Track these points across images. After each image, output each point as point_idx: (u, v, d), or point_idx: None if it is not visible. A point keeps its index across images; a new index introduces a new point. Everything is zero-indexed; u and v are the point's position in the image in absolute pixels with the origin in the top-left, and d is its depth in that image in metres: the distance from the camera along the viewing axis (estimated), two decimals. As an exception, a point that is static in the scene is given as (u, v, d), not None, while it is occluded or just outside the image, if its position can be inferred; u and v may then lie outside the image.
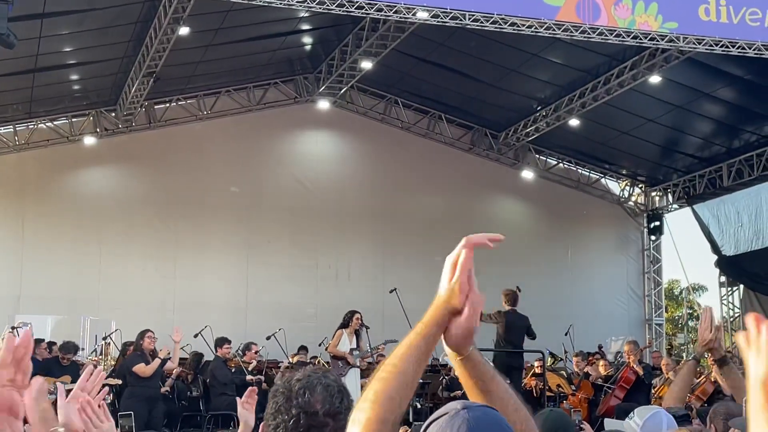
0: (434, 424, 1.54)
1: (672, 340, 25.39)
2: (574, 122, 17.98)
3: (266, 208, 18.29)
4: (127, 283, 17.05)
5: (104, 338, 14.07)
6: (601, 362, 14.00)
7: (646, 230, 21.36)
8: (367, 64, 16.55)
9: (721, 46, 11.93)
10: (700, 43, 11.96)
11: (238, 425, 3.67)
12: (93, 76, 16.16)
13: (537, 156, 20.53)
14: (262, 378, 12.66)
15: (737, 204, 19.32)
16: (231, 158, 18.17)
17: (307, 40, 17.36)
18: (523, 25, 11.65)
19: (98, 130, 17.66)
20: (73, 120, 17.57)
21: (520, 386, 12.22)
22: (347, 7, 11.29)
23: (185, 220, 17.73)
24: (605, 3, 11.48)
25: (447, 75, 17.47)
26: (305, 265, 18.43)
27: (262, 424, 2.46)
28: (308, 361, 14.63)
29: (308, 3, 11.27)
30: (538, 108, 18.38)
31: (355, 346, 11.65)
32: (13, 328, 12.99)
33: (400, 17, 11.85)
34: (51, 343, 12.88)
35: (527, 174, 20.42)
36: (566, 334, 15.90)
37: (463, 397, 1.76)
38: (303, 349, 15.68)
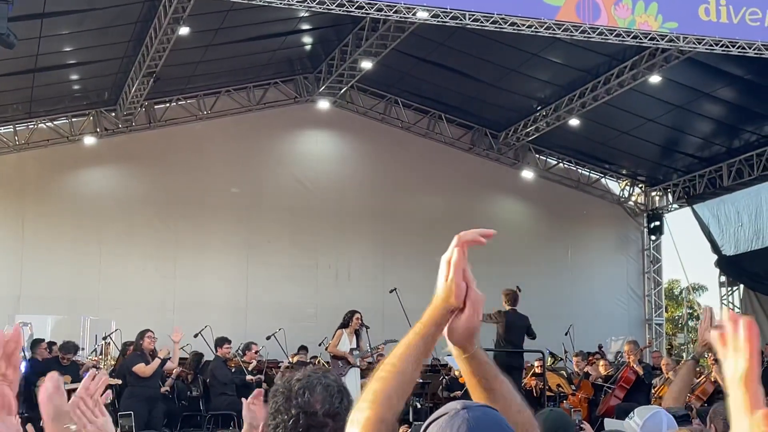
0: (434, 424, 1.54)
1: (672, 340, 25.39)
2: (574, 122, 17.98)
3: (266, 208, 18.29)
4: (127, 283, 17.05)
5: (104, 338, 14.07)
6: (602, 362, 14.00)
7: (646, 230, 21.36)
8: (367, 64, 16.55)
9: (721, 46, 11.93)
10: (700, 43, 11.96)
11: (239, 425, 3.65)
12: (93, 76, 16.16)
13: (537, 156, 20.53)
14: (262, 378, 12.66)
15: (737, 204, 19.32)
16: (231, 158, 18.17)
17: (307, 39, 17.36)
18: (523, 25, 11.65)
19: (98, 130, 17.66)
20: (73, 120, 17.57)
21: (520, 386, 12.22)
22: (347, 7, 11.29)
23: (185, 220, 17.73)
24: (605, 3, 11.48)
25: (447, 75, 17.47)
26: (305, 265, 18.43)
27: (262, 424, 2.46)
28: (308, 361, 14.63)
29: (308, 3, 11.26)
30: (538, 108, 18.38)
31: (355, 346, 11.66)
32: (13, 328, 12.98)
33: (400, 17, 11.85)
34: (51, 343, 12.87)
35: (527, 174, 20.42)
36: (566, 334, 15.90)
37: (463, 396, 1.76)
38: (303, 349, 15.69)
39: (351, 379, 10.77)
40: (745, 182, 18.51)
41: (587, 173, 21.11)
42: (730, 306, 20.42)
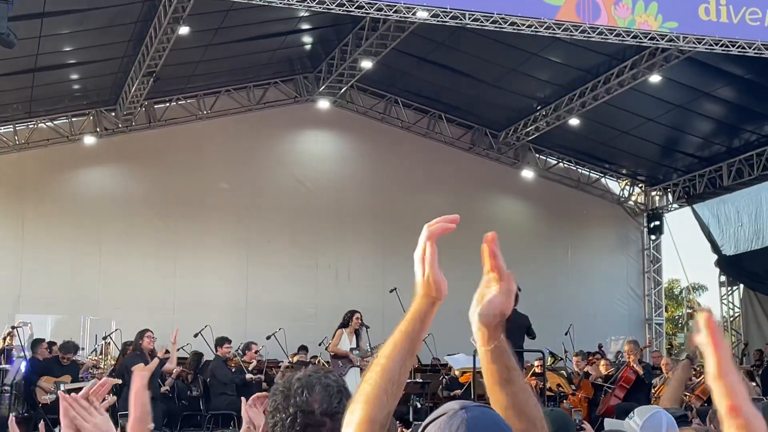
0: (432, 425, 1.53)
1: (672, 340, 25.39)
2: (574, 122, 17.98)
3: (266, 208, 18.28)
4: (127, 282, 17.04)
5: (104, 338, 14.07)
6: (602, 362, 13.99)
7: (646, 230, 21.36)
8: (367, 64, 16.55)
9: (721, 46, 11.92)
10: (700, 43, 11.96)
11: (239, 425, 3.64)
12: (93, 75, 16.16)
13: (537, 155, 20.53)
14: (263, 378, 12.66)
15: (737, 203, 19.32)
16: (231, 158, 18.17)
17: (307, 39, 17.36)
18: (523, 25, 11.65)
19: (98, 129, 17.66)
20: (73, 119, 17.57)
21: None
22: (347, 7, 11.28)
23: (185, 219, 17.72)
24: (605, 2, 11.48)
25: (447, 74, 17.47)
26: (305, 265, 18.43)
27: (262, 424, 2.46)
28: (308, 360, 14.62)
29: (308, 2, 11.26)
30: (538, 107, 18.38)
31: (354, 346, 11.66)
32: (13, 327, 13.00)
33: (400, 17, 11.85)
34: (51, 343, 12.88)
35: (527, 173, 20.42)
36: (566, 334, 15.88)
37: (464, 396, 1.76)
38: (303, 348, 15.69)
39: (351, 378, 10.76)
40: (745, 182, 18.51)
41: (587, 173, 21.11)
42: (730, 306, 20.43)
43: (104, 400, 2.51)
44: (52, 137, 17.40)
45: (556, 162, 20.77)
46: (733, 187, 18.86)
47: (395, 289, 12.32)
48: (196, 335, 13.64)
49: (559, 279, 19.80)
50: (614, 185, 21.51)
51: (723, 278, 20.62)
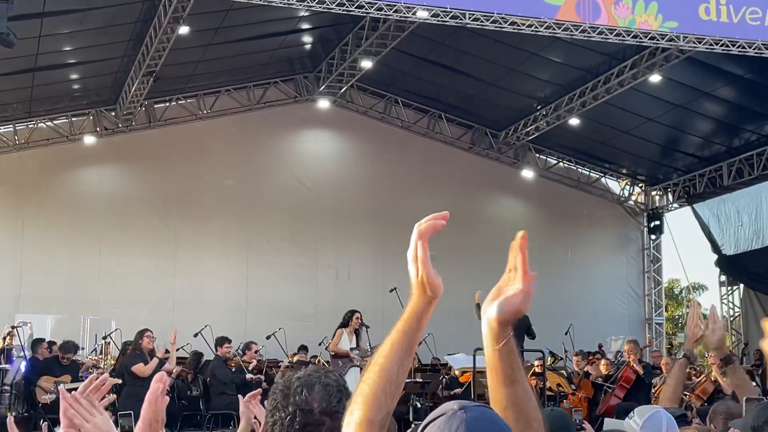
0: (431, 425, 1.53)
1: (672, 340, 25.39)
2: (574, 121, 17.98)
3: (266, 208, 18.28)
4: (126, 282, 17.04)
5: (104, 337, 14.06)
6: (603, 361, 13.99)
7: (646, 229, 21.35)
8: (367, 64, 16.55)
9: (722, 46, 11.92)
10: (700, 43, 11.95)
11: (239, 424, 3.66)
12: (93, 75, 16.16)
13: (537, 155, 20.53)
14: (263, 377, 12.65)
15: (737, 203, 19.32)
16: (231, 157, 18.17)
17: (307, 39, 17.36)
18: (523, 25, 11.65)
19: (98, 129, 17.66)
20: (73, 119, 17.57)
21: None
22: (347, 7, 11.28)
23: (185, 219, 17.72)
24: (605, 2, 11.47)
25: (447, 74, 17.47)
26: (305, 265, 18.43)
27: (263, 423, 2.46)
28: (308, 360, 14.62)
29: (308, 2, 11.26)
30: (538, 107, 18.37)
31: (354, 346, 11.66)
32: (13, 327, 13.00)
33: (400, 16, 11.85)
34: (51, 343, 12.88)
35: (527, 173, 20.42)
36: (566, 334, 15.88)
37: (464, 395, 1.76)
38: (303, 348, 15.70)
39: (351, 378, 10.76)
40: (745, 182, 18.51)
41: (587, 173, 21.10)
42: (731, 305, 20.43)
43: (104, 398, 2.51)
44: (52, 137, 17.40)
45: (556, 162, 20.77)
46: (733, 186, 18.86)
47: (395, 288, 12.31)
48: (196, 335, 13.64)
49: (559, 279, 19.78)
50: (614, 185, 21.51)
51: (723, 278, 20.62)
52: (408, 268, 1.70)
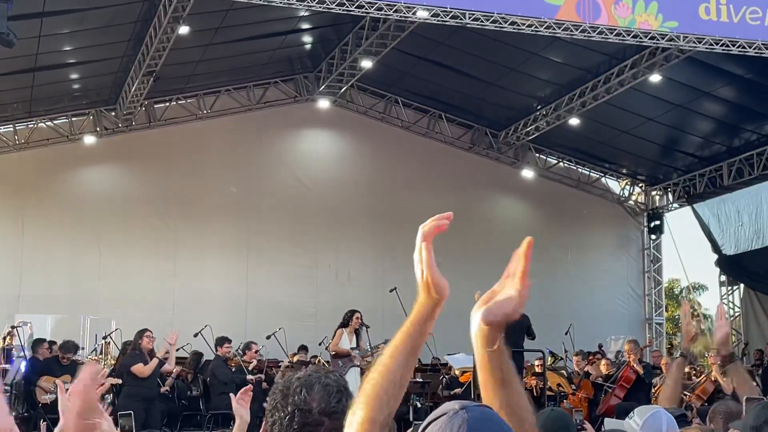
0: (433, 425, 1.53)
1: (672, 340, 25.39)
2: (574, 121, 17.97)
3: (266, 208, 18.28)
4: (127, 282, 17.04)
5: (104, 337, 14.06)
6: (603, 361, 13.99)
7: (646, 229, 21.35)
8: (367, 63, 16.55)
9: (722, 45, 11.92)
10: (700, 42, 11.95)
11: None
12: (93, 75, 16.16)
13: (537, 155, 20.52)
14: (263, 377, 12.66)
15: (737, 203, 19.32)
16: (231, 157, 18.17)
17: (307, 39, 17.36)
18: (524, 24, 11.65)
19: (98, 129, 17.66)
20: (73, 119, 17.56)
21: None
22: (347, 6, 11.28)
23: (185, 219, 17.72)
24: (605, 2, 11.47)
25: (447, 74, 17.46)
26: (305, 265, 18.43)
27: (264, 422, 2.46)
28: (308, 360, 14.62)
29: (308, 2, 11.26)
30: (538, 107, 18.37)
31: (354, 345, 11.66)
32: (13, 327, 13.00)
33: (400, 16, 11.85)
34: (51, 342, 12.88)
35: (527, 173, 20.42)
36: (566, 334, 15.89)
37: (464, 395, 1.75)
38: (303, 348, 15.69)
39: (351, 378, 10.76)
40: (745, 181, 18.51)
41: (587, 172, 21.10)
42: (731, 305, 20.43)
43: (98, 388, 2.49)
44: (52, 137, 17.39)
45: (556, 162, 20.77)
46: (733, 186, 18.86)
47: (395, 288, 12.32)
48: (196, 335, 13.64)
49: (559, 279, 19.78)
50: (614, 185, 21.51)
51: (723, 278, 20.62)
52: (414, 269, 1.70)
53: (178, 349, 12.36)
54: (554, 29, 11.71)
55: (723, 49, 12.01)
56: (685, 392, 11.38)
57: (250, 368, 12.70)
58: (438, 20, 11.70)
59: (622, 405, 11.30)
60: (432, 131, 19.87)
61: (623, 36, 11.86)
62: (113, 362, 12.92)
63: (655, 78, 15.37)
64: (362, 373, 11.27)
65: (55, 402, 10.70)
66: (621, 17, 11.54)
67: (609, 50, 14.84)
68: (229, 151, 18.19)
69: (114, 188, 17.59)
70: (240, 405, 3.59)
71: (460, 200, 19.05)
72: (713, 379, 11.83)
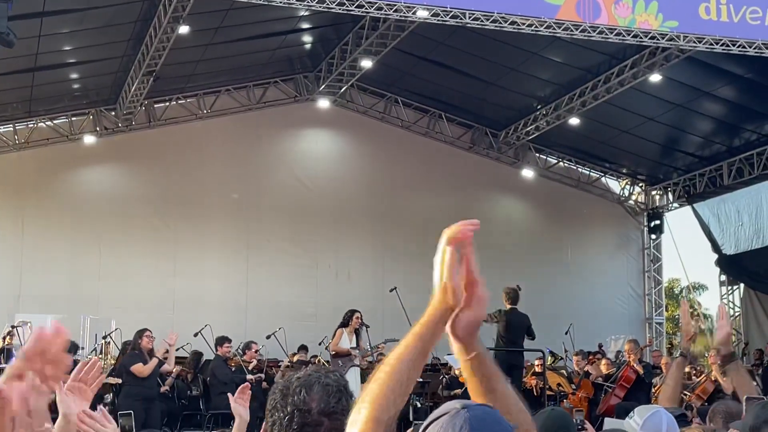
0: (434, 424, 1.52)
1: (672, 339, 25.39)
2: (574, 121, 17.97)
3: (266, 207, 18.28)
4: (126, 282, 17.04)
5: (104, 337, 14.06)
6: (603, 361, 14.00)
7: (646, 229, 21.35)
8: (367, 63, 16.54)
9: (722, 45, 11.92)
10: (700, 42, 11.95)
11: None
12: (93, 74, 16.15)
13: (537, 155, 20.52)
14: (263, 377, 12.66)
15: (738, 203, 19.32)
16: (231, 157, 18.17)
17: (307, 38, 17.35)
18: (524, 24, 11.65)
19: (98, 129, 17.66)
20: (73, 119, 17.56)
21: (521, 385, 12.21)
22: (347, 6, 11.28)
23: (185, 219, 17.72)
24: (605, 2, 11.48)
25: (447, 74, 17.46)
26: (305, 264, 18.42)
27: (264, 422, 2.46)
28: (308, 360, 14.62)
29: (308, 2, 11.26)
30: (539, 107, 18.37)
31: (355, 345, 11.66)
32: (13, 327, 13.00)
33: (400, 16, 11.85)
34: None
35: (527, 173, 20.41)
36: (566, 333, 15.89)
37: (464, 395, 1.75)
38: (303, 348, 15.69)
39: (351, 377, 10.76)
40: (745, 181, 18.52)
41: (587, 172, 21.10)
42: (731, 305, 20.43)
43: (97, 379, 2.49)
44: (51, 137, 17.39)
45: (556, 161, 20.77)
46: (733, 186, 18.86)
47: (395, 288, 12.32)
48: (195, 335, 13.64)
49: (559, 279, 19.79)
50: (614, 184, 21.51)
51: (723, 277, 20.62)
52: (433, 273, 1.69)
53: (178, 349, 12.36)
54: (554, 29, 11.71)
55: (723, 49, 12.01)
56: (685, 392, 11.38)
57: (250, 368, 12.70)
58: (438, 20, 11.70)
59: (622, 405, 11.29)
60: (432, 131, 19.86)
61: (623, 36, 11.85)
62: (113, 362, 12.92)
63: (655, 78, 15.37)
64: (362, 372, 11.27)
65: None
66: (621, 17, 11.54)
67: (609, 50, 14.84)
68: (229, 151, 18.19)
69: (114, 188, 17.59)
70: (238, 404, 3.59)
71: (460, 200, 19.06)
72: (713, 378, 11.83)
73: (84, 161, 17.54)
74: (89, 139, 17.50)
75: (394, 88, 19.19)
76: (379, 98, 19.48)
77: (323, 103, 18.83)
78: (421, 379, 13.02)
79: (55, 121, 17.48)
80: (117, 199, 17.43)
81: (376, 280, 17.93)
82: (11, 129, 17.23)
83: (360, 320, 11.83)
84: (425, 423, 1.55)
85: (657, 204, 21.35)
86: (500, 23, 11.61)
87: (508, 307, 11.70)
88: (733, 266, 19.82)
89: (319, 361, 14.27)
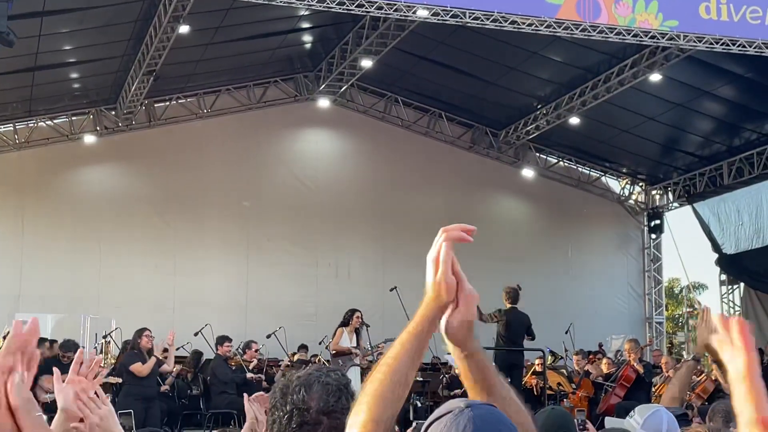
0: (437, 423, 1.52)
1: (672, 339, 25.40)
2: (574, 120, 17.97)
3: (266, 207, 18.28)
4: (127, 281, 17.04)
5: (104, 337, 14.06)
6: (604, 360, 14.00)
7: (646, 228, 21.35)
8: (367, 63, 16.54)
9: (722, 44, 11.92)
10: (700, 42, 11.95)
11: (240, 424, 3.66)
12: (93, 74, 16.15)
13: (537, 154, 20.52)
14: (263, 376, 12.65)
15: (738, 202, 19.32)
16: (231, 157, 18.17)
17: (307, 38, 17.35)
18: (524, 24, 11.65)
19: (98, 128, 17.66)
20: (73, 118, 17.56)
21: (521, 384, 12.22)
22: (347, 5, 11.28)
23: (185, 218, 17.72)
24: (605, 1, 11.48)
25: (447, 73, 17.45)
26: (305, 264, 18.42)
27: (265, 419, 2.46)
28: (308, 359, 14.63)
29: (308, 1, 11.26)
30: (539, 106, 18.37)
31: (355, 345, 11.67)
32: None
33: (401, 15, 11.85)
34: (52, 342, 12.88)
35: (527, 172, 20.41)
36: (566, 333, 15.88)
37: (463, 395, 1.74)
38: (303, 347, 15.69)
39: (351, 377, 10.74)
40: (745, 181, 18.51)
41: (587, 172, 21.10)
42: (731, 305, 20.43)
43: (95, 377, 2.48)
44: (52, 136, 17.39)
45: (556, 161, 20.77)
46: (733, 185, 18.86)
47: (395, 287, 12.32)
48: (196, 334, 13.63)
49: (559, 278, 19.80)
50: (614, 184, 21.51)
51: (723, 277, 20.62)
52: (426, 269, 1.69)
53: (178, 348, 12.35)
54: (554, 28, 11.71)
55: (723, 48, 12.01)
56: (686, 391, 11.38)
57: (250, 367, 12.70)
58: (438, 19, 11.70)
59: (623, 404, 11.29)
60: (432, 130, 19.86)
61: (623, 35, 11.85)
62: (113, 361, 12.92)
63: (656, 77, 15.37)
64: (362, 372, 11.27)
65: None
66: (621, 16, 11.54)
67: (609, 49, 14.84)
68: (229, 151, 18.19)
69: (114, 188, 17.59)
70: (253, 407, 3.53)
71: (460, 199, 19.07)
72: (713, 378, 11.82)
73: (84, 161, 17.54)
74: (89, 139, 17.50)
75: (394, 88, 19.19)
76: (379, 98, 19.48)
77: (323, 103, 18.83)
78: (421, 379, 13.02)
79: (55, 121, 17.48)
80: (117, 198, 17.43)
81: (376, 280, 17.93)
82: (11, 128, 17.23)
83: (360, 319, 11.83)
84: (428, 421, 1.54)
85: (657, 203, 21.35)
86: (500, 23, 11.61)
87: (508, 306, 11.70)
88: (733, 266, 19.81)
89: (319, 360, 14.27)
